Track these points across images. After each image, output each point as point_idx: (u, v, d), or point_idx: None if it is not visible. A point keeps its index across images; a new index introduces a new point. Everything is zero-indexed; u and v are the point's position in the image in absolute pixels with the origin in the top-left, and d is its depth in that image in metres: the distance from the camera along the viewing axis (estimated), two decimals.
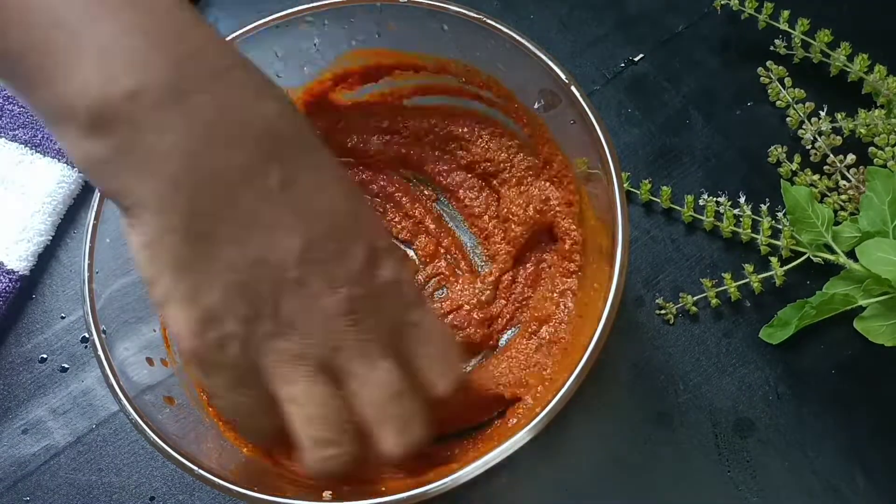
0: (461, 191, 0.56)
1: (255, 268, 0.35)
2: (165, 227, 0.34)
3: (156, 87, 0.32)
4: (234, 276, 0.35)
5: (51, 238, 0.58)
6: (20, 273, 0.57)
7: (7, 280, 0.56)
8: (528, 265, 0.54)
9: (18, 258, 0.57)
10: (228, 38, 0.49)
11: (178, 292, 0.34)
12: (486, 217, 0.56)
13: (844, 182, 0.56)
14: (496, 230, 0.55)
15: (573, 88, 0.47)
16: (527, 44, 0.47)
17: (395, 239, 0.57)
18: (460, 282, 0.55)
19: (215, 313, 0.35)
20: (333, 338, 0.36)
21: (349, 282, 0.36)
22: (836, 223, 0.54)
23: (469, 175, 0.56)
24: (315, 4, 0.49)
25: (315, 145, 0.37)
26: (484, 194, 0.56)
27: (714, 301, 0.54)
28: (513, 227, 0.53)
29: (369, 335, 0.37)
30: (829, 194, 0.56)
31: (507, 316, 0.54)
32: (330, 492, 0.44)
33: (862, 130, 0.56)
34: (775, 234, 0.55)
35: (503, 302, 0.54)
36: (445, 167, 0.57)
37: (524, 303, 0.54)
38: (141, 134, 0.33)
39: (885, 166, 0.55)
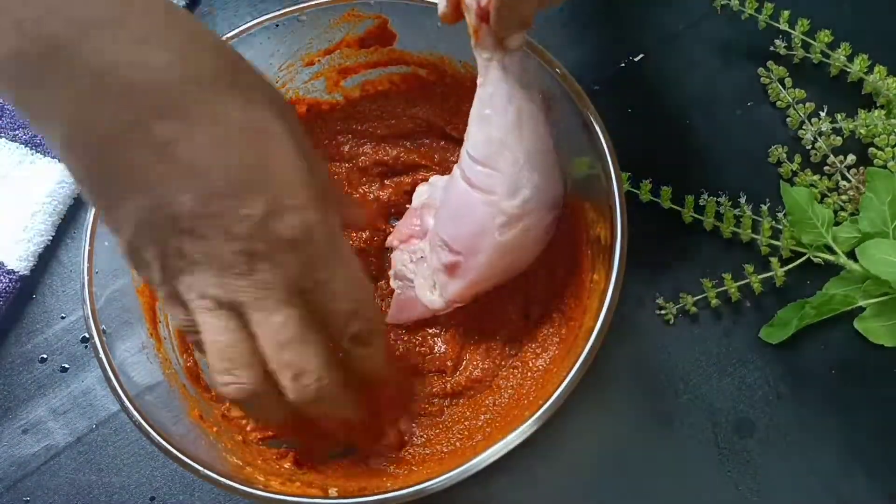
0: None
1: (155, 214, 0.36)
2: (75, 175, 0.37)
3: (22, 49, 0.33)
4: (140, 216, 0.36)
5: (51, 238, 0.58)
6: (20, 273, 0.57)
7: (7, 280, 0.56)
8: None
9: (19, 258, 0.57)
10: (225, 38, 0.49)
11: (106, 221, 0.38)
12: None
13: (844, 182, 0.56)
14: None
15: (573, 88, 0.47)
16: (527, 43, 0.47)
17: None
18: None
19: (133, 246, 0.37)
20: (230, 286, 0.37)
21: (246, 236, 0.36)
22: (836, 223, 0.54)
23: None
24: (312, 3, 0.50)
25: (221, 94, 0.36)
26: None
27: (714, 301, 0.54)
28: None
29: (266, 287, 0.37)
30: (829, 195, 0.56)
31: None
32: (335, 489, 0.44)
33: (862, 131, 0.56)
34: (776, 234, 0.55)
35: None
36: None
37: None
38: (27, 91, 0.34)
39: (885, 167, 0.55)
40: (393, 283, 0.53)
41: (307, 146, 0.41)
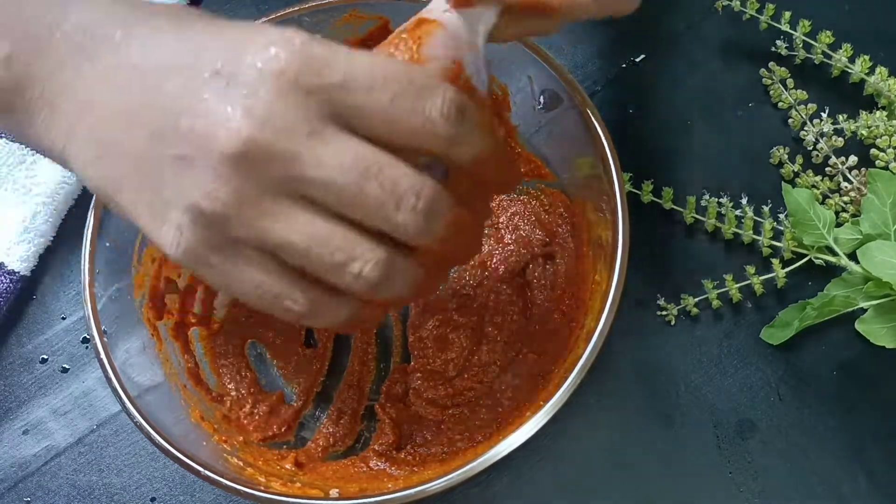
0: None
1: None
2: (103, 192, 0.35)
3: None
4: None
5: (52, 239, 0.58)
6: (21, 274, 0.57)
7: (8, 281, 0.56)
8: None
9: (19, 259, 0.57)
10: None
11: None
12: None
13: (846, 184, 0.56)
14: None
15: (574, 89, 0.47)
16: (528, 43, 0.47)
17: None
18: None
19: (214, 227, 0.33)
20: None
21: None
22: (838, 225, 0.54)
23: None
24: (314, 3, 0.50)
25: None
26: None
27: (715, 302, 0.54)
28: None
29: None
30: (830, 196, 0.56)
31: None
32: (337, 490, 0.44)
33: (864, 132, 0.56)
34: (777, 235, 0.55)
35: None
36: None
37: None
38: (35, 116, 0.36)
39: (886, 168, 0.55)
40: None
41: None
